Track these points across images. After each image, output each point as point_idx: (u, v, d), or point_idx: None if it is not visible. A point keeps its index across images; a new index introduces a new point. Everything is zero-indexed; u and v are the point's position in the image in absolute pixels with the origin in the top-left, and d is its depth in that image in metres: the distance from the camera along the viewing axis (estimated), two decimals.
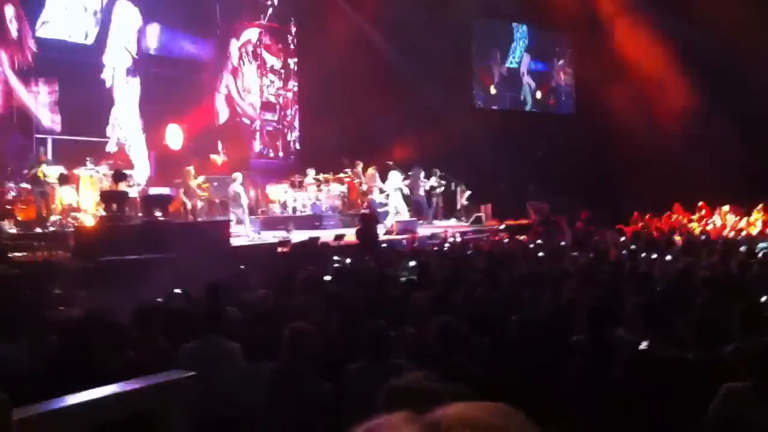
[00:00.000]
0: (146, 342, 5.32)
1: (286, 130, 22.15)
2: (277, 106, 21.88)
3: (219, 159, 18.27)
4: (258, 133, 21.31)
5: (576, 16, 22.94)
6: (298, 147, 22.28)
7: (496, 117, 23.60)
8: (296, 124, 22.31)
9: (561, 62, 26.59)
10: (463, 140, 20.41)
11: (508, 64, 25.24)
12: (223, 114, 20.03)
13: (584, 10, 22.75)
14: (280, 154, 21.94)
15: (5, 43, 14.99)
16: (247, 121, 21.03)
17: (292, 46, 22.27)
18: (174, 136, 18.16)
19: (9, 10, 15.04)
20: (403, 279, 8.07)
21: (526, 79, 25.73)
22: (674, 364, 4.34)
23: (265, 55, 21.53)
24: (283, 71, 22.10)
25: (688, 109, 20.95)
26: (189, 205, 15.10)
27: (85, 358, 4.50)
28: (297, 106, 22.29)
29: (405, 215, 17.73)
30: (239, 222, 15.04)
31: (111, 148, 16.57)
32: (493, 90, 24.84)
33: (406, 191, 18.25)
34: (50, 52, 15.55)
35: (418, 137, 19.39)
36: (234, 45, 20.56)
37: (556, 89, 26.57)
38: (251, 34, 21.13)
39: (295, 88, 22.27)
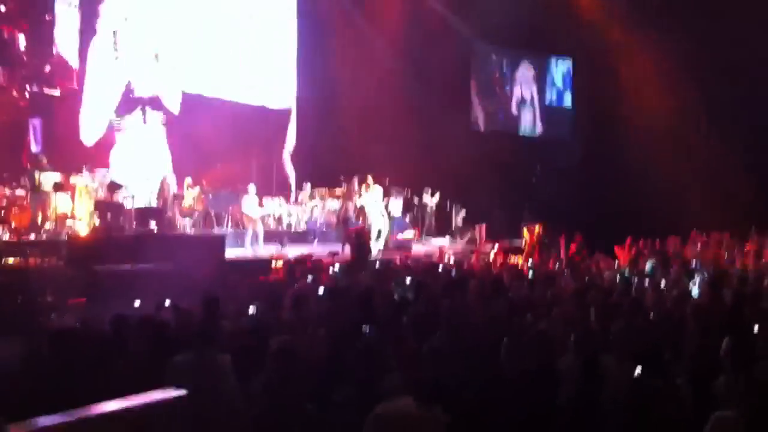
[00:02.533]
0: (135, 354, 5.31)
1: None
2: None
3: None
4: None
5: (576, 41, 23.10)
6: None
7: (493, 139, 23.72)
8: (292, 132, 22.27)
9: (560, 85, 26.73)
10: (459, 161, 20.46)
11: (507, 86, 25.39)
12: None
13: (585, 36, 22.89)
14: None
15: None
16: None
17: None
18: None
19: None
20: (395, 297, 8.06)
21: (525, 101, 25.86)
22: (665, 393, 4.34)
23: None
24: None
25: (687, 132, 21.12)
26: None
27: (77, 367, 4.48)
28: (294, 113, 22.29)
29: (385, 229, 17.64)
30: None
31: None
32: (490, 110, 24.90)
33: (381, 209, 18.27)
34: None
35: (415, 157, 19.43)
36: None
37: (554, 111, 26.66)
38: None
39: None
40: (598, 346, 5.15)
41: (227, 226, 16.13)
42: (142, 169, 16.50)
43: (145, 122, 17.05)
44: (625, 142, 21.86)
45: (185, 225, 15.20)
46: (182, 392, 2.87)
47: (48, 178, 13.45)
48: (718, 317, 6.64)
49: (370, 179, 16.75)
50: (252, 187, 15.84)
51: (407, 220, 19.02)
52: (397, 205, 18.71)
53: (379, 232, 16.69)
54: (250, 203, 15.69)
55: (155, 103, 17.15)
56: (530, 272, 10.86)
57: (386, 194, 18.57)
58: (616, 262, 14.00)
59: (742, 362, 4.75)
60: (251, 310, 7.11)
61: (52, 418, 2.40)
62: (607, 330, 5.77)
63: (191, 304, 6.95)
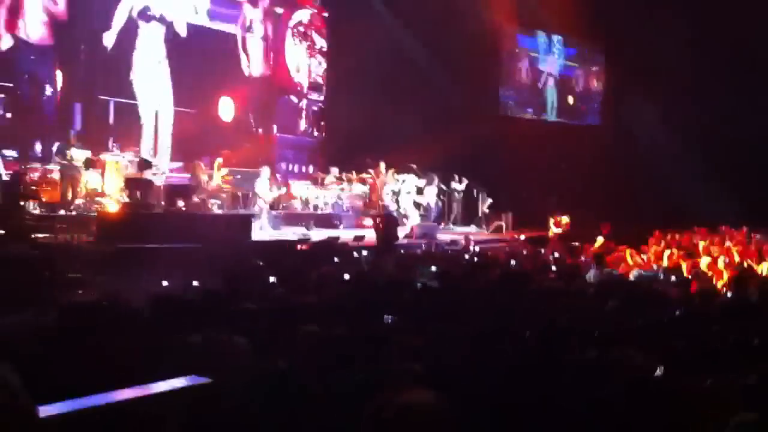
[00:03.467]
0: (157, 332, 5.35)
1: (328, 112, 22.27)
2: (323, 87, 22.01)
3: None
4: (304, 112, 21.51)
5: (608, 26, 22.78)
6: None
7: (521, 125, 23.56)
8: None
9: (593, 69, 26.43)
10: (486, 146, 20.39)
11: (537, 66, 25.16)
12: (273, 89, 20.44)
13: (617, 23, 22.56)
14: (323, 134, 22.07)
15: None
16: (295, 99, 21.26)
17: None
18: (226, 109, 18.59)
19: None
20: (419, 285, 8.05)
21: (554, 83, 25.62)
22: (687, 392, 4.29)
23: (315, 36, 21.72)
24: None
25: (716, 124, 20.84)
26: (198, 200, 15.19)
27: (88, 342, 4.51)
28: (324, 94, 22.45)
29: (415, 220, 17.75)
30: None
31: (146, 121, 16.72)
32: (516, 89, 24.69)
33: (418, 198, 18.36)
34: None
35: (442, 140, 19.33)
36: (295, 19, 21.00)
37: (584, 95, 26.38)
38: (302, 14, 21.38)
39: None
40: (621, 341, 5.11)
41: (254, 206, 16.20)
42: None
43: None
44: (656, 132, 21.61)
45: (213, 205, 15.31)
46: (205, 380, 2.87)
47: (79, 155, 13.61)
48: (744, 315, 6.56)
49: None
50: (265, 170, 15.98)
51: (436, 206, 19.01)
52: (431, 192, 18.74)
53: (407, 217, 16.75)
54: (262, 185, 15.85)
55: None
56: (554, 264, 10.79)
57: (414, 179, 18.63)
58: (644, 255, 13.84)
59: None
60: (275, 291, 7.16)
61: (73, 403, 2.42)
62: (630, 325, 5.73)
63: (218, 284, 7.01)
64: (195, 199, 14.61)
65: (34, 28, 14.57)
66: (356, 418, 2.28)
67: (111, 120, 16.09)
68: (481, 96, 22.41)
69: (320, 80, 21.85)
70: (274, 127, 19.86)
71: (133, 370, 3.40)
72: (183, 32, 17.27)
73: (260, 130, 19.50)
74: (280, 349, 4.85)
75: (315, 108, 21.71)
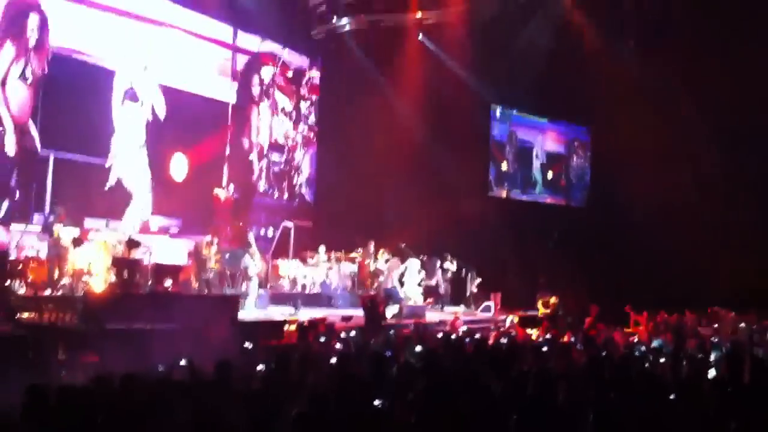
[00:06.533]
0: (144, 412, 5.27)
1: (292, 173, 22.26)
2: (286, 148, 21.99)
3: (222, 194, 18.28)
4: (264, 173, 21.28)
5: (595, 109, 23.21)
6: (303, 191, 22.42)
7: (508, 203, 23.78)
8: (303, 167, 22.49)
9: (576, 146, 26.77)
10: (474, 225, 20.51)
11: (521, 145, 25.51)
12: (231, 148, 19.98)
13: (603, 105, 22.97)
14: (285, 195, 21.95)
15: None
16: (255, 159, 20.99)
17: (304, 90, 22.59)
18: (179, 167, 18.11)
19: (33, 19, 14.97)
20: (406, 365, 7.98)
21: (539, 159, 25.91)
22: None
23: (278, 95, 21.71)
24: (294, 113, 22.29)
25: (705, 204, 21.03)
26: (198, 277, 15.17)
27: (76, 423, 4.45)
28: (306, 150, 22.51)
29: (418, 302, 17.82)
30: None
31: (111, 182, 16.43)
32: (504, 166, 24.95)
33: (419, 279, 18.45)
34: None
35: (431, 218, 19.47)
36: (256, 79, 20.86)
37: (568, 171, 26.63)
38: (266, 72, 21.32)
39: (305, 132, 22.57)
40: (612, 422, 5.06)
41: (241, 285, 16.13)
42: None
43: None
44: (645, 212, 21.78)
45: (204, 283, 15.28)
46: None
47: (66, 233, 13.59)
48: (736, 396, 6.52)
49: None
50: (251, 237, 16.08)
51: (422, 285, 18.97)
52: (414, 271, 18.76)
53: (396, 298, 16.77)
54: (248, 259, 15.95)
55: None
56: (544, 344, 10.73)
57: (403, 260, 18.71)
58: (633, 336, 13.82)
59: None
60: (260, 369, 7.09)
61: None
62: (620, 406, 5.68)
63: (204, 364, 6.94)
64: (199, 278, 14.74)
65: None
66: None
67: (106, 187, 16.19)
68: (470, 175, 22.64)
69: (281, 140, 21.77)
70: (231, 186, 18.90)
71: None
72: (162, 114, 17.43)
73: (231, 190, 18.67)
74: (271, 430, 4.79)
75: (276, 169, 21.61)
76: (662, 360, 9.32)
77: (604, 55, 21.09)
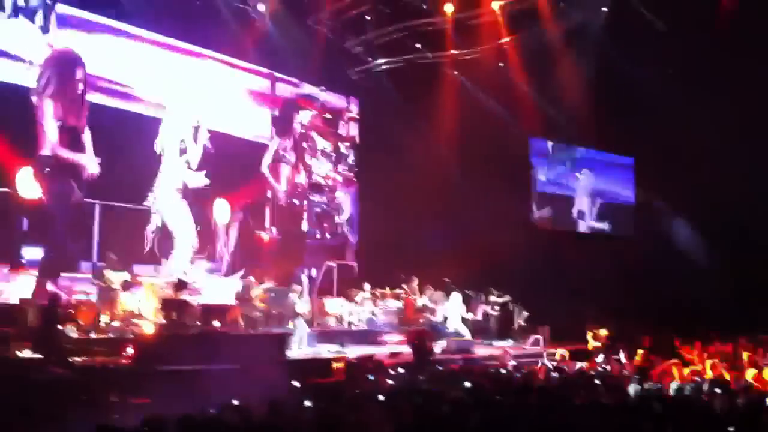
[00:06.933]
0: None
1: (334, 213, 22.31)
2: (326, 189, 22.06)
3: (266, 235, 18.36)
4: (306, 213, 21.14)
5: (637, 138, 23.01)
6: (345, 230, 22.43)
7: (554, 237, 23.57)
8: (344, 207, 22.57)
9: (622, 182, 26.52)
10: (519, 258, 20.37)
11: (568, 183, 25.36)
12: (273, 191, 19.92)
13: (646, 134, 22.77)
14: (327, 235, 21.82)
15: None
16: (296, 201, 20.86)
17: (343, 131, 22.84)
18: (221, 211, 18.13)
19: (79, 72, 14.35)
20: (453, 402, 7.91)
21: (587, 198, 25.70)
22: None
23: (316, 137, 21.86)
24: (333, 154, 22.46)
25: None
26: (245, 317, 15.25)
27: None
28: (347, 189, 22.64)
29: (467, 337, 17.69)
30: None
31: (151, 227, 16.09)
32: (547, 197, 24.81)
33: (465, 314, 18.37)
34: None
35: (474, 252, 19.40)
36: (295, 122, 20.84)
37: (614, 207, 26.34)
38: (304, 115, 21.39)
39: (345, 171, 22.72)
40: None
41: (288, 324, 16.17)
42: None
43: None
44: (692, 240, 21.43)
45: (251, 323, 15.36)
46: None
47: (115, 277, 13.82)
48: None
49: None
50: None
51: (469, 320, 18.84)
52: (460, 306, 18.65)
53: (443, 333, 16.70)
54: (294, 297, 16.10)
55: None
56: (597, 378, 10.56)
57: (448, 295, 18.66)
58: (686, 367, 13.49)
59: None
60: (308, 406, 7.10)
61: None
62: None
63: (253, 404, 6.97)
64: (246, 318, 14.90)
65: None
66: None
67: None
68: (513, 208, 22.55)
69: (321, 181, 21.85)
70: (273, 228, 19.12)
71: None
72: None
73: (274, 231, 18.85)
74: None
75: (318, 209, 21.54)
76: (718, 391, 9.09)
77: (646, 84, 20.93)
